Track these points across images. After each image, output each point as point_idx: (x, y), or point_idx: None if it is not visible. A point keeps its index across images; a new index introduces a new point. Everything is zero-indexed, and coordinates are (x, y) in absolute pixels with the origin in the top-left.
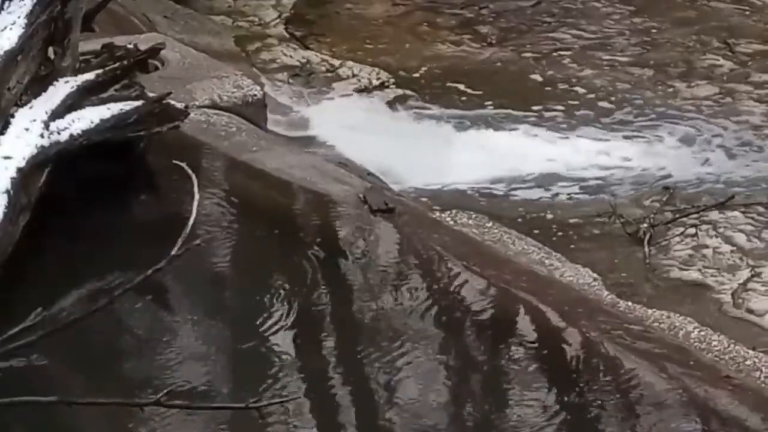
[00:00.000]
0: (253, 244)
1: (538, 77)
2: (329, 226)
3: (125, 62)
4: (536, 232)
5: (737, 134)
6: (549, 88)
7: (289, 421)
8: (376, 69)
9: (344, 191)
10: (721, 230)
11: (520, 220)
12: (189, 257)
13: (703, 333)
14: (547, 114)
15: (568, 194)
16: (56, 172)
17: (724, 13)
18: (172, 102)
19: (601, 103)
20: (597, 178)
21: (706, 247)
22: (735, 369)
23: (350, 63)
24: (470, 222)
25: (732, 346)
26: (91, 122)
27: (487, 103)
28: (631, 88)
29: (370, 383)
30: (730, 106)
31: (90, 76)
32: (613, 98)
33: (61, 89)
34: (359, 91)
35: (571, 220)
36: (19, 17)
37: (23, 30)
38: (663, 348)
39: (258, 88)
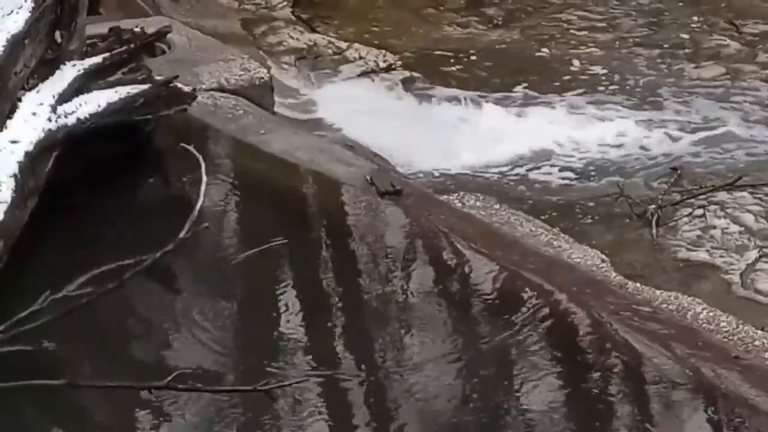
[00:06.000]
0: (261, 226)
1: (544, 58)
2: (336, 208)
3: (132, 46)
4: (544, 213)
5: (744, 114)
6: (556, 70)
7: (297, 403)
8: (383, 51)
9: (351, 173)
10: (729, 211)
11: (527, 201)
12: (197, 240)
13: (711, 314)
14: (555, 95)
15: (576, 175)
16: (64, 155)
17: None
18: (180, 85)
19: (608, 84)
20: (605, 159)
21: (714, 227)
22: (743, 349)
23: (357, 45)
24: (478, 204)
25: (740, 326)
26: (99, 106)
27: (493, 84)
28: (638, 69)
29: (378, 365)
30: (737, 86)
31: (97, 59)
32: (619, 79)
33: (68, 73)
34: (366, 73)
35: (579, 201)
36: (25, 1)
37: (30, 13)
38: (671, 329)
39: (265, 71)
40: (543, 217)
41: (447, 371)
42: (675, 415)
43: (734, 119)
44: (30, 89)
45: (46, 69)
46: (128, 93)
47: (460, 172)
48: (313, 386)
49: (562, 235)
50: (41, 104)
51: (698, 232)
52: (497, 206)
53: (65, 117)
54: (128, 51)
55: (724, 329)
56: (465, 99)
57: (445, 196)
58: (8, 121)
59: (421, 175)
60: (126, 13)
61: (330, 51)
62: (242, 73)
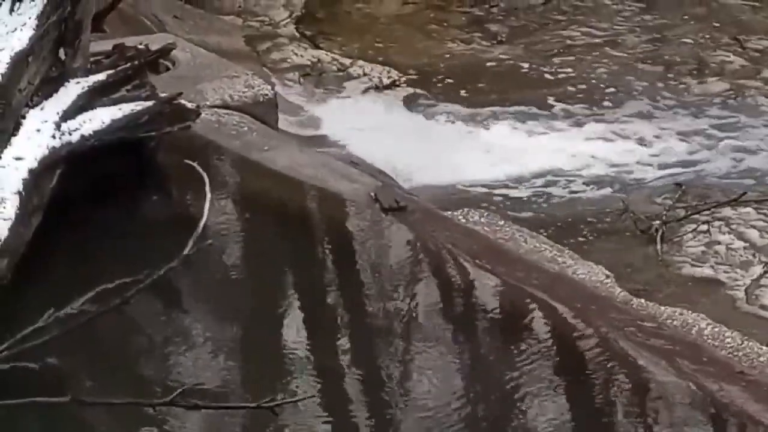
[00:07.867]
0: (265, 243)
1: (548, 75)
2: (341, 224)
3: (136, 63)
4: (548, 229)
5: (748, 130)
6: (559, 86)
7: (301, 420)
8: (387, 68)
9: (355, 190)
10: (733, 226)
11: (531, 217)
12: (201, 256)
13: (716, 329)
14: (559, 112)
15: (580, 191)
16: (68, 171)
17: (734, 9)
18: (183, 102)
19: (612, 101)
20: (609, 176)
21: (719, 243)
22: (749, 365)
23: (361, 62)
24: (482, 220)
25: (745, 342)
26: (103, 123)
27: (497, 100)
28: (643, 85)
29: (382, 381)
30: (741, 102)
31: (101, 76)
32: (624, 96)
33: (72, 90)
34: (370, 90)
35: (584, 217)
36: (29, 18)
37: (34, 31)
38: (676, 345)
39: (269, 87)
40: (547, 233)
41: (451, 387)
42: (679, 430)
43: (738, 135)
44: (34, 106)
45: (50, 86)
46: (132, 110)
47: (464, 188)
48: (316, 403)
49: (566, 251)
50: (45, 121)
51: (703, 248)
52: (501, 222)
53: (69, 134)
54: (132, 68)
55: (728, 345)
56: (469, 115)
57: (449, 212)
58: (12, 139)
59: (425, 191)
60: (130, 30)
61: (334, 67)
62: (246, 89)
